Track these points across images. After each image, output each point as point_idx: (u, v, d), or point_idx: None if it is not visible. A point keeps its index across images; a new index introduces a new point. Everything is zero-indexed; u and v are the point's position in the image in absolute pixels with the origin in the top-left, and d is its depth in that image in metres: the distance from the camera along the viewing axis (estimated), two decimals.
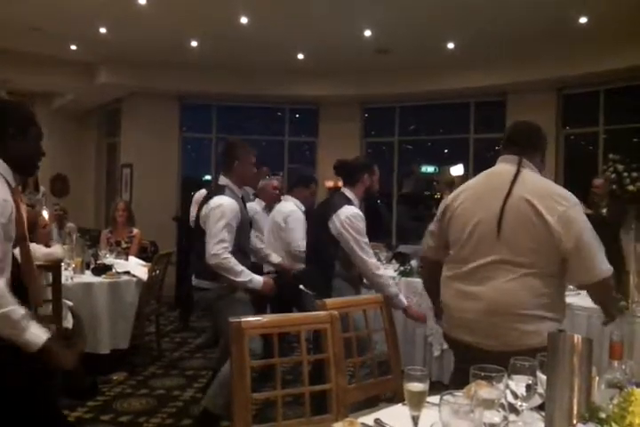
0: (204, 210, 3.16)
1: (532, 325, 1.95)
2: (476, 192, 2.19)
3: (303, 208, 4.19)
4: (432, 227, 2.34)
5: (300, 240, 3.90)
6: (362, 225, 3.13)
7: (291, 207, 4.15)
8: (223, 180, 3.27)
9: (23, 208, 1.95)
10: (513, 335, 1.97)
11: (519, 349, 1.78)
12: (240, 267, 3.04)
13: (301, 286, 3.33)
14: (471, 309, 2.05)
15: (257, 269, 3.59)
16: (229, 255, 3.01)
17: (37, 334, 1.74)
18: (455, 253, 2.17)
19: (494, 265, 2.02)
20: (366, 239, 3.13)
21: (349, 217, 3.10)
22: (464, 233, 2.12)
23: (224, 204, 3.09)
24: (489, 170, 2.24)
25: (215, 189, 3.29)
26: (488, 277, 2.03)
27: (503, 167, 2.16)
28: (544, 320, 1.97)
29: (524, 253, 1.98)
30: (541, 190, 2.03)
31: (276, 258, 3.87)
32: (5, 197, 1.79)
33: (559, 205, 1.97)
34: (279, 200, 4.51)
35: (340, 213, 3.12)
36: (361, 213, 3.17)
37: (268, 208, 4.59)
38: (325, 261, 3.20)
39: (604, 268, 1.95)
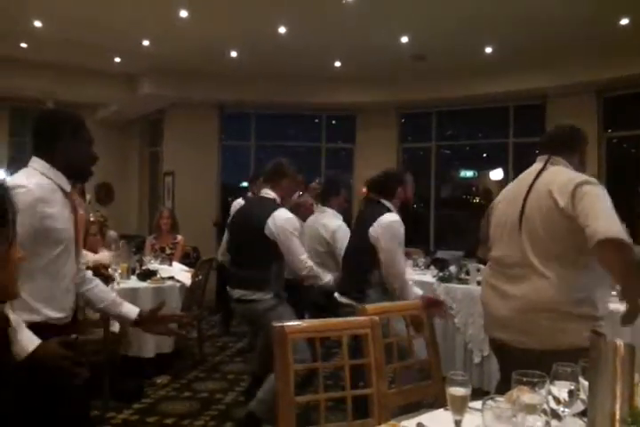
0: (272, 222, 3.21)
1: (566, 323, 1.96)
2: (511, 193, 2.28)
3: (341, 217, 4.20)
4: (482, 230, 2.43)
5: None
6: (401, 231, 3.13)
7: (337, 222, 4.09)
8: (270, 193, 3.40)
9: (81, 214, 1.98)
10: (546, 333, 1.98)
11: (556, 348, 1.79)
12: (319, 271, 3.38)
13: (336, 295, 3.35)
14: (505, 306, 2.09)
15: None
16: (312, 263, 3.31)
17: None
18: (493, 252, 2.25)
19: (524, 262, 2.05)
20: (401, 248, 3.14)
21: (389, 223, 3.11)
22: (497, 233, 2.20)
23: (292, 217, 3.29)
24: (527, 170, 2.31)
25: (269, 202, 3.37)
26: (519, 276, 2.07)
27: (533, 167, 2.24)
28: (581, 319, 1.97)
29: (547, 245, 2.01)
30: (558, 179, 2.07)
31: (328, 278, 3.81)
32: (43, 200, 1.78)
33: (570, 186, 1.98)
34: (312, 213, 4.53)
35: (380, 220, 3.12)
36: (400, 220, 3.18)
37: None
38: (361, 271, 3.22)
39: (606, 229, 1.80)
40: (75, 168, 1.94)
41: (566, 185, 2.00)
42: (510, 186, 2.35)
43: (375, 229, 3.12)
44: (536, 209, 2.05)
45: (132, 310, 2.08)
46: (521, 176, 2.30)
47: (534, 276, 2.02)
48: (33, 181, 1.80)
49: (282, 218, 3.22)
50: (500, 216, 2.22)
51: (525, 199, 2.08)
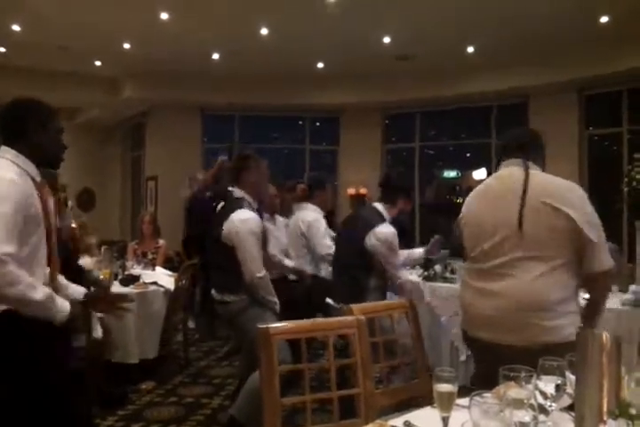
0: (228, 225, 3.07)
1: (554, 320, 1.98)
2: (490, 195, 2.25)
3: (323, 213, 4.22)
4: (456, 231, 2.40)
5: (325, 244, 3.96)
6: (396, 244, 3.18)
7: (314, 215, 4.15)
8: (238, 192, 3.22)
9: (50, 202, 1.97)
10: (534, 331, 1.98)
11: (541, 345, 1.80)
12: (271, 286, 3.14)
13: (328, 300, 3.33)
14: (491, 306, 2.08)
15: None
16: (266, 274, 3.09)
17: (62, 308, 1.84)
18: (475, 254, 2.20)
19: (519, 262, 2.04)
20: (398, 259, 3.23)
21: (386, 236, 3.13)
22: (483, 234, 2.16)
23: (250, 219, 3.07)
24: (497, 173, 2.29)
25: (232, 203, 3.20)
26: (510, 275, 2.06)
27: (512, 170, 2.20)
28: (567, 315, 2.00)
29: (548, 246, 2.01)
30: (551, 187, 2.08)
31: (289, 262, 3.90)
32: (26, 192, 1.82)
33: (572, 197, 2.04)
34: (279, 209, 4.52)
35: (377, 231, 3.13)
36: (395, 232, 3.20)
37: (272, 217, 4.58)
38: (357, 276, 3.20)
39: (610, 259, 2.06)
40: (46, 157, 1.96)
41: (565, 194, 2.05)
42: (484, 188, 2.30)
43: (370, 240, 3.13)
44: (535, 215, 2.03)
45: (77, 291, 2.15)
46: (499, 179, 2.26)
47: (528, 275, 2.02)
48: (11, 171, 1.82)
49: (237, 219, 3.05)
50: (486, 218, 2.17)
51: (522, 205, 2.05)
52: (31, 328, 1.79)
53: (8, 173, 1.81)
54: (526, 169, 2.14)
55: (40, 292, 1.78)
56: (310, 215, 4.18)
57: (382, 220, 3.21)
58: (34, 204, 1.84)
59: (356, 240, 3.18)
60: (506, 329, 2.04)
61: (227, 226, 3.08)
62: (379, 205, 3.30)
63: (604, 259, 2.04)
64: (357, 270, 3.22)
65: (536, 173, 2.15)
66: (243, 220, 3.06)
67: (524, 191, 2.07)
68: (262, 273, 3.07)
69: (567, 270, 2.02)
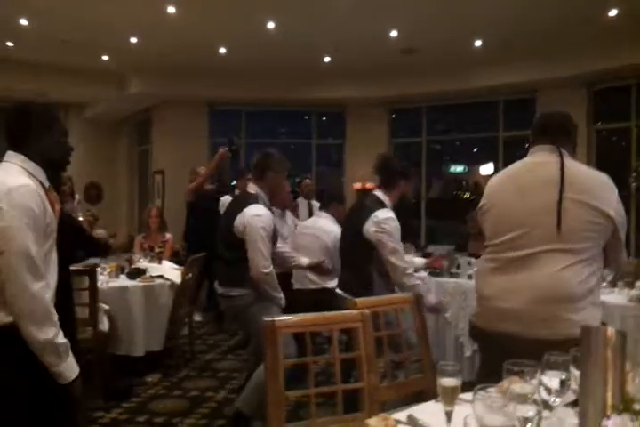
0: (241, 219, 3.09)
1: (580, 313, 1.95)
2: (518, 182, 2.16)
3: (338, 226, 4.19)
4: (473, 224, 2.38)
5: None
6: (396, 229, 3.12)
7: (334, 228, 4.11)
8: (253, 188, 3.24)
9: (57, 208, 1.97)
10: (561, 324, 1.95)
11: (566, 337, 1.76)
12: (276, 282, 3.14)
13: (338, 290, 3.33)
14: (516, 297, 2.02)
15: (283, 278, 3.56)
16: (272, 270, 3.09)
17: (73, 366, 1.82)
18: (497, 242, 2.13)
19: (547, 253, 2.00)
20: (399, 244, 3.13)
21: (383, 221, 3.09)
22: (508, 223, 2.09)
23: (263, 215, 3.08)
24: (528, 159, 2.21)
25: (246, 197, 3.23)
26: (535, 266, 2.01)
27: (544, 157, 2.13)
28: (591, 307, 1.99)
29: (580, 240, 1.99)
30: (589, 183, 2.04)
31: (305, 261, 3.86)
32: (42, 198, 1.82)
33: (610, 196, 2.03)
34: (294, 205, 4.49)
35: (373, 216, 3.11)
36: (394, 217, 3.16)
37: (283, 213, 4.56)
38: (361, 267, 3.20)
39: (625, 255, 2.17)
40: (52, 160, 1.96)
41: (601, 191, 2.04)
42: (513, 174, 2.22)
43: (368, 226, 3.11)
44: (573, 210, 1.99)
45: None
46: (531, 166, 2.18)
47: (549, 266, 1.98)
48: (23, 177, 1.82)
49: (250, 214, 3.07)
50: (516, 207, 2.10)
51: (560, 199, 1.99)
52: None
53: (23, 179, 1.80)
54: (561, 158, 2.07)
55: (61, 337, 1.78)
56: (335, 229, 4.10)
57: (382, 206, 3.18)
58: (48, 210, 1.84)
59: (355, 230, 3.18)
60: (532, 322, 1.98)
61: (239, 220, 3.10)
62: (379, 193, 3.28)
63: (624, 255, 2.13)
64: (359, 262, 3.22)
65: (570, 164, 2.08)
66: (256, 215, 3.07)
67: (562, 184, 2.01)
68: (269, 269, 3.09)
69: (592, 263, 2.00)
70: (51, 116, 1.99)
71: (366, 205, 3.28)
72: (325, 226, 4.22)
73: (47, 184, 1.92)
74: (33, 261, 1.72)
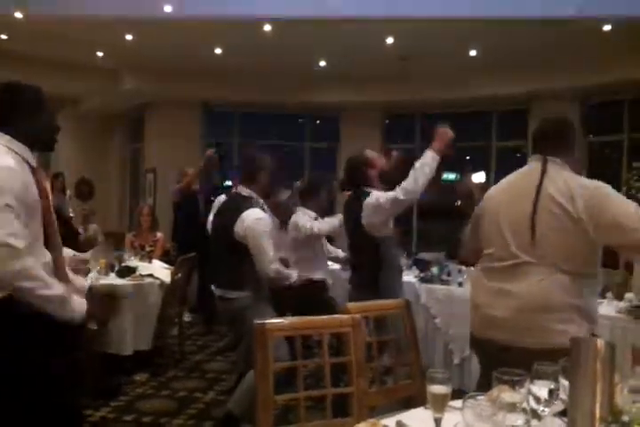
0: (241, 224, 3.06)
1: (563, 324, 1.96)
2: (509, 192, 2.21)
3: (315, 216, 4.17)
4: (468, 228, 2.40)
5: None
6: (381, 204, 3.14)
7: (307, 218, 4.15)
8: (245, 190, 3.23)
9: (47, 187, 1.96)
10: (545, 333, 1.97)
11: (552, 347, 1.79)
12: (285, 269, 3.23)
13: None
14: (503, 306, 2.05)
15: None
16: (280, 266, 3.16)
17: (79, 307, 1.90)
18: (490, 252, 2.18)
19: (528, 264, 2.03)
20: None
21: (372, 202, 3.16)
22: (497, 233, 2.13)
23: (263, 218, 3.09)
24: (522, 169, 2.25)
25: (242, 201, 3.21)
26: (524, 275, 2.03)
27: (530, 167, 2.17)
28: (579, 320, 1.98)
29: (557, 252, 2.00)
30: (564, 188, 2.03)
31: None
32: (24, 179, 1.80)
33: (581, 196, 1.98)
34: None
35: (365, 202, 3.17)
36: (378, 196, 3.20)
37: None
38: (364, 262, 3.26)
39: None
40: (40, 139, 1.95)
41: (575, 195, 1.98)
42: (505, 184, 2.27)
43: (364, 215, 3.15)
44: (547, 218, 2.00)
45: (79, 283, 2.18)
46: (517, 176, 2.23)
47: (536, 277, 2.00)
48: (8, 158, 1.80)
49: (251, 218, 3.06)
50: (502, 216, 2.14)
51: (534, 207, 2.02)
52: (36, 316, 1.78)
53: (5, 160, 1.78)
54: (544, 166, 2.08)
55: (56, 289, 1.81)
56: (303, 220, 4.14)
57: (368, 194, 3.21)
58: (32, 191, 1.82)
59: (356, 224, 3.24)
60: (518, 330, 2.01)
61: (239, 225, 3.07)
62: (363, 187, 3.34)
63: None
64: (361, 257, 3.31)
65: (553, 171, 2.08)
66: (257, 219, 3.07)
67: (538, 192, 2.02)
68: (276, 265, 3.15)
69: (577, 276, 1.99)
70: (38, 94, 1.97)
71: (355, 202, 3.33)
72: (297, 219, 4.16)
73: (34, 163, 1.90)
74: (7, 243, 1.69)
